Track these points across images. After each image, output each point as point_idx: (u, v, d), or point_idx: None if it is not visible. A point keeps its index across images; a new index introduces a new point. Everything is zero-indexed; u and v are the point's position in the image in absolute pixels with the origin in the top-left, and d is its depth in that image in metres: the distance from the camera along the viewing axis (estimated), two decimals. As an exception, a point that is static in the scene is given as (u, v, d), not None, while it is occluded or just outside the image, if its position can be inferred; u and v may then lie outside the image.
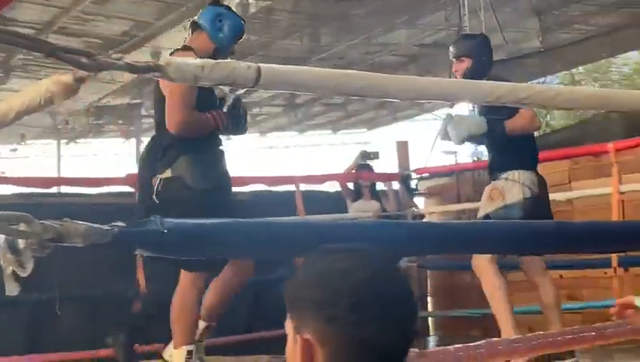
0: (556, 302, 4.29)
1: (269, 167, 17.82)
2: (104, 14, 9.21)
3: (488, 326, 5.02)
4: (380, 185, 7.66)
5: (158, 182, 3.56)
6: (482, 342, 2.21)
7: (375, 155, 7.63)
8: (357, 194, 7.36)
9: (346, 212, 7.13)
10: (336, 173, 7.69)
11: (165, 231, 1.67)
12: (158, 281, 5.96)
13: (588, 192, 5.93)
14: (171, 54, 3.52)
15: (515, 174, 4.25)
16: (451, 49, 4.62)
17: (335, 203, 7.28)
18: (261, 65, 1.80)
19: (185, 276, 3.57)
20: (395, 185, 7.67)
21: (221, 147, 3.83)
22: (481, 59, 4.41)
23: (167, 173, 3.54)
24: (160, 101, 3.57)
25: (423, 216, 7.82)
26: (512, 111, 4.10)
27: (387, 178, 7.58)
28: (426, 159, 9.19)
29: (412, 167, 7.95)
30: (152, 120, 15.96)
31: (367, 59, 11.72)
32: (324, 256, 1.16)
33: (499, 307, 4.07)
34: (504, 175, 4.27)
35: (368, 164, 7.54)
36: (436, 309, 8.05)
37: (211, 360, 4.13)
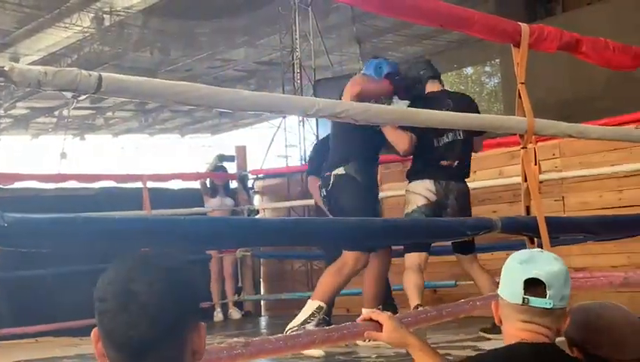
0: (489, 286, 4.14)
1: (120, 166, 17.28)
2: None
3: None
4: (234, 184, 7.70)
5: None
6: (302, 332, 2.22)
7: (231, 158, 7.68)
8: (213, 192, 7.35)
9: (195, 207, 7.06)
10: (180, 173, 7.57)
11: (6, 224, 1.56)
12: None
13: (393, 193, 6.20)
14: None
15: (412, 185, 4.32)
16: None
17: (181, 200, 7.17)
18: (102, 74, 1.73)
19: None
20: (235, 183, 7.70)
21: None
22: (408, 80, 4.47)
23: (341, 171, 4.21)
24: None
25: (257, 212, 7.87)
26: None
27: (226, 177, 7.54)
28: (262, 162, 9.22)
29: (249, 168, 8.00)
30: (8, 119, 14.93)
31: (211, 72, 11.63)
32: (118, 260, 1.16)
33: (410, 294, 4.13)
34: (407, 187, 4.37)
35: (223, 166, 7.55)
36: (268, 293, 8.09)
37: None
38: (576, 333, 1.81)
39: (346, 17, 10.02)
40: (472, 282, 4.87)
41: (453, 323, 4.92)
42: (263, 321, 7.38)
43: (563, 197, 5.78)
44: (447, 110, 4.02)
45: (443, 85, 4.66)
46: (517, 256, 1.73)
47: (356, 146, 4.28)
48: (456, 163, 4.34)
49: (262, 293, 8.08)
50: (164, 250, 1.19)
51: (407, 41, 11.25)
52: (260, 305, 7.95)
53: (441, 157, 4.31)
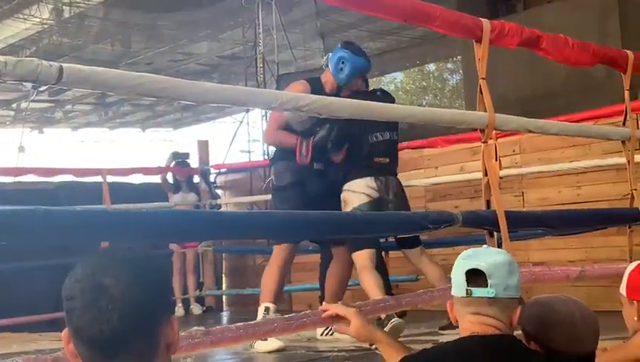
0: (439, 276, 4.20)
1: (79, 160, 17.04)
2: None
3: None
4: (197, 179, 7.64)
5: None
6: (260, 320, 2.23)
7: (186, 156, 7.61)
8: (176, 188, 7.31)
9: (157, 202, 6.99)
10: (141, 167, 7.50)
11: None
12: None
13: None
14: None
15: (351, 185, 4.25)
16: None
17: (141, 194, 7.10)
18: (63, 64, 1.72)
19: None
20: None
21: None
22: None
23: None
24: None
25: (220, 207, 7.84)
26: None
27: (188, 172, 7.49)
28: (224, 156, 9.18)
29: (211, 163, 7.96)
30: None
31: (173, 66, 11.54)
32: (84, 257, 1.14)
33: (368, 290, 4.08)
34: (345, 186, 4.27)
35: (184, 161, 7.49)
36: (230, 287, 8.07)
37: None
38: (532, 327, 1.85)
39: (309, 12, 10.03)
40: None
41: (415, 317, 4.99)
42: (225, 316, 7.36)
43: (523, 192, 5.88)
44: None
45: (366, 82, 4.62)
46: (463, 253, 1.79)
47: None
48: (387, 160, 4.35)
49: (224, 288, 8.06)
50: (130, 244, 1.18)
51: (370, 36, 11.31)
52: (222, 301, 7.93)
53: (377, 153, 4.30)
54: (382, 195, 4.23)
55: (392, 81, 20.05)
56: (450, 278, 1.80)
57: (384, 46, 11.90)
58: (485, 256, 1.74)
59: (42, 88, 1.69)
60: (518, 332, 1.83)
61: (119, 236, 1.93)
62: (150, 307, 1.10)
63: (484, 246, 1.81)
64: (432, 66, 18.32)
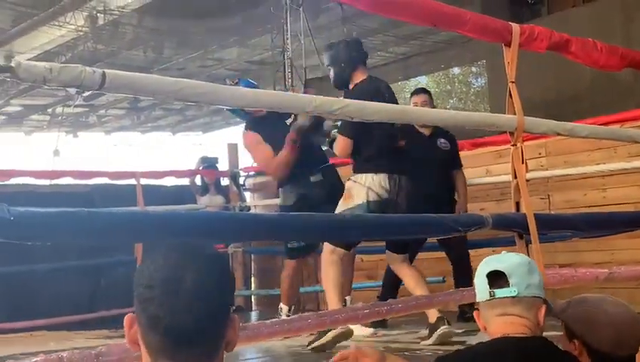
0: (416, 283, 3.98)
1: (111, 163, 17.24)
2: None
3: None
4: (225, 182, 7.67)
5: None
6: (295, 316, 2.24)
7: (215, 160, 7.65)
8: (204, 190, 7.34)
9: (186, 204, 7.04)
10: (173, 170, 7.55)
11: (12, 218, 1.56)
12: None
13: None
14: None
15: (361, 177, 3.90)
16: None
17: (173, 196, 7.15)
18: (106, 70, 1.73)
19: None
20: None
21: None
22: (341, 66, 4.06)
23: None
24: None
25: (249, 209, 7.86)
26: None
27: (217, 175, 7.53)
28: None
29: (241, 165, 7.99)
30: (2, 117, 14.80)
31: (204, 71, 11.62)
32: (158, 247, 1.15)
33: (327, 289, 3.93)
34: (352, 177, 3.95)
35: (213, 164, 7.53)
36: (259, 288, 8.09)
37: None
38: (579, 326, 1.82)
39: (336, 18, 10.02)
40: (459, 277, 4.93)
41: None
42: (254, 315, 7.38)
43: (549, 195, 5.82)
44: (388, 97, 3.81)
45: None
46: (484, 260, 1.81)
47: None
48: (403, 143, 3.99)
49: (253, 289, 8.08)
50: (203, 241, 1.20)
51: (395, 41, 11.28)
52: (251, 301, 7.94)
53: (393, 138, 3.93)
54: (391, 197, 3.88)
55: (416, 84, 19.99)
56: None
57: (409, 50, 11.86)
58: (504, 259, 1.76)
59: (86, 93, 1.70)
60: (546, 334, 1.80)
61: (158, 237, 1.95)
62: (224, 303, 1.13)
63: (503, 252, 1.81)
64: (456, 70, 18.23)
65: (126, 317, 1.13)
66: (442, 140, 5.08)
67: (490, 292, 1.72)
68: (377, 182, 3.85)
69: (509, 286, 1.70)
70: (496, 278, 1.72)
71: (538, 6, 9.02)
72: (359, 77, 4.04)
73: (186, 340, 1.07)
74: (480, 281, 1.75)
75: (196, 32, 9.89)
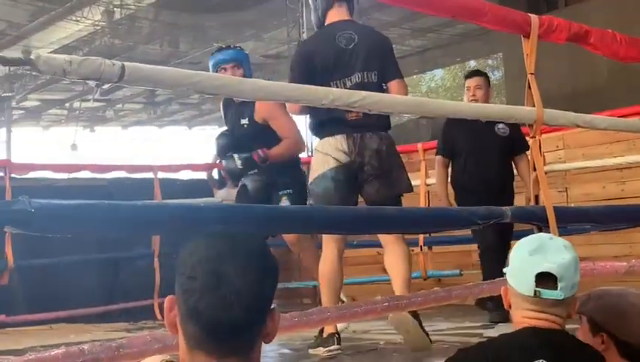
0: (403, 281, 3.53)
1: (128, 157, 17.32)
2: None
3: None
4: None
5: None
6: (314, 309, 2.23)
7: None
8: (221, 183, 7.32)
9: (204, 197, 7.04)
10: (189, 163, 7.55)
11: (32, 210, 1.56)
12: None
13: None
14: None
15: (319, 144, 3.51)
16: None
17: (190, 190, 7.16)
18: (125, 63, 1.73)
19: None
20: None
21: None
22: (315, 3, 3.63)
23: None
24: None
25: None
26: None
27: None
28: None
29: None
30: (20, 111, 14.91)
31: (219, 65, 11.61)
32: (198, 236, 1.14)
33: (321, 284, 3.62)
34: (315, 145, 3.58)
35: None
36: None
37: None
38: (606, 318, 1.78)
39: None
40: (477, 271, 4.89)
41: (459, 311, 4.94)
42: (271, 308, 7.39)
43: (566, 188, 5.77)
44: (347, 46, 3.44)
45: (352, 13, 3.64)
46: (526, 244, 1.69)
47: None
48: (361, 115, 3.28)
49: (269, 282, 8.08)
50: (246, 231, 1.18)
51: (411, 34, 11.22)
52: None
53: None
54: (353, 158, 3.38)
55: (432, 78, 19.93)
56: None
57: (425, 43, 11.81)
58: (554, 255, 1.66)
59: (105, 86, 1.69)
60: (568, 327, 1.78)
61: (177, 229, 1.95)
62: (266, 300, 1.11)
63: (547, 235, 1.71)
64: (472, 63, 18.12)
65: (167, 299, 1.12)
66: (500, 125, 4.58)
67: (535, 291, 1.63)
68: (333, 145, 3.40)
69: (557, 289, 1.62)
70: (545, 278, 1.63)
71: (555, -2, 8.94)
72: (332, 17, 3.56)
73: (224, 336, 1.07)
74: (525, 275, 1.65)
75: (212, 26, 9.90)
